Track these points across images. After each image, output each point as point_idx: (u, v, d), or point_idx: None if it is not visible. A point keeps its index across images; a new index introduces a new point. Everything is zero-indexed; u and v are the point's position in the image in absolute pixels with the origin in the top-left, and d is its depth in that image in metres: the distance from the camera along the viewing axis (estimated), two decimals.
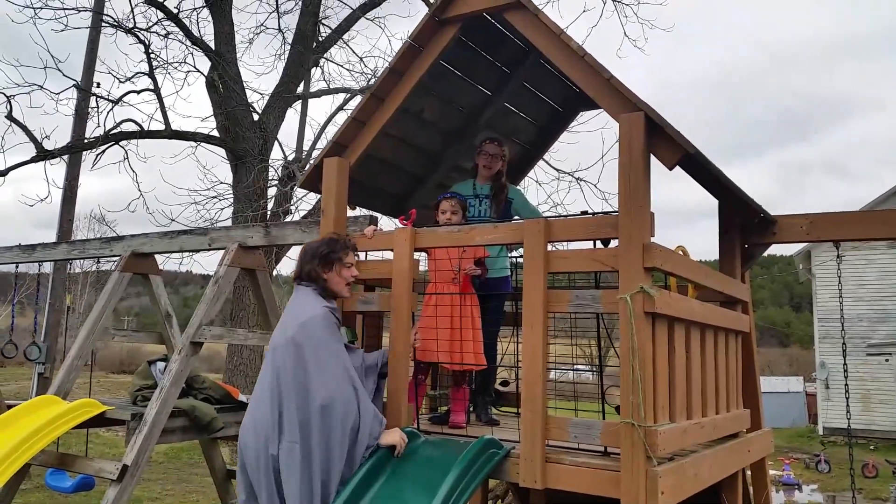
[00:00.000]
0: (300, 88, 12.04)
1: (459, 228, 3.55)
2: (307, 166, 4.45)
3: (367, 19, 11.75)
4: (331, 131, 10.95)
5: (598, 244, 3.15)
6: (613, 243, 3.06)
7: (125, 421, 4.54)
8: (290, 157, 11.42)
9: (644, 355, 2.85)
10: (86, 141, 10.68)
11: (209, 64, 11.12)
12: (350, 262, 3.46)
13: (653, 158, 3.03)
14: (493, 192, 4.40)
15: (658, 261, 2.94)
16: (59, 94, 10.37)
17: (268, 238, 4.64)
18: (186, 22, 10.96)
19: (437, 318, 3.65)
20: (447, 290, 3.75)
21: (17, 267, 6.31)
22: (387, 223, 4.69)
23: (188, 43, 11.07)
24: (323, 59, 12.25)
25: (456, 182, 4.70)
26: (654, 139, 3.00)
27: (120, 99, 10.57)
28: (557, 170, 9.64)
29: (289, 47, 11.81)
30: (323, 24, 12.16)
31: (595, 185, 9.61)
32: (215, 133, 11.17)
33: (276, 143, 11.34)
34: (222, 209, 10.96)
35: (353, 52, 13.94)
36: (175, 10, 10.75)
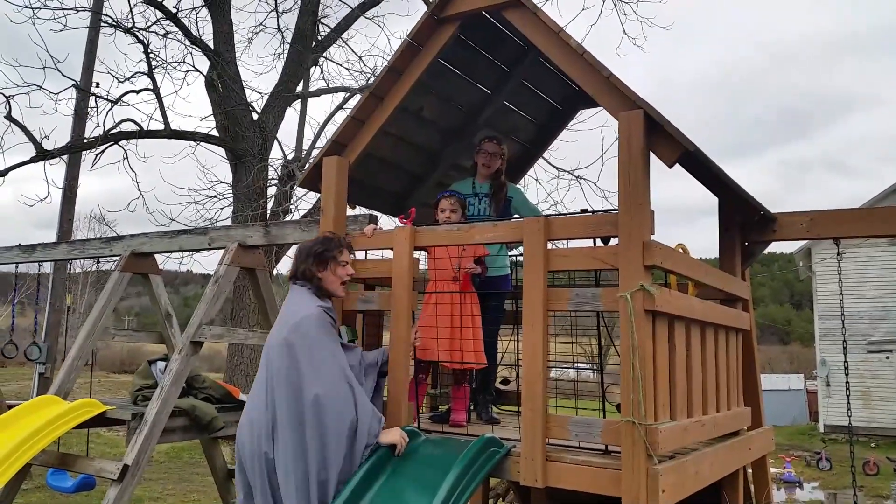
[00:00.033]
0: (299, 87, 12.02)
1: (459, 227, 3.55)
2: (307, 165, 4.45)
3: (367, 18, 11.73)
4: (330, 130, 10.94)
5: (598, 242, 3.15)
6: (613, 241, 3.05)
7: (126, 421, 4.55)
8: (290, 157, 11.39)
9: (644, 353, 2.85)
10: (85, 141, 10.66)
11: (208, 63, 11.10)
12: (345, 261, 3.45)
13: (653, 156, 3.02)
14: (492, 190, 4.39)
15: (658, 259, 2.94)
16: (58, 94, 10.34)
17: (267, 237, 4.64)
18: (185, 21, 10.94)
19: (437, 316, 3.65)
20: (447, 289, 3.74)
21: (17, 267, 6.31)
22: (386, 222, 4.69)
23: (187, 42, 11.05)
24: (322, 59, 12.23)
25: (455, 181, 4.70)
26: (653, 137, 3.00)
27: (119, 99, 10.55)
28: (557, 168, 9.61)
29: (288, 46, 11.79)
30: (322, 23, 12.14)
31: (595, 184, 9.57)
32: (215, 132, 11.16)
33: (275, 143, 11.32)
34: (222, 209, 10.94)
35: (353, 51, 13.89)
36: (174, 10, 10.72)
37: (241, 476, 3.19)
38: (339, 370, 3.13)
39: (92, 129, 10.80)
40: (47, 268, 10.07)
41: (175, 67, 12.49)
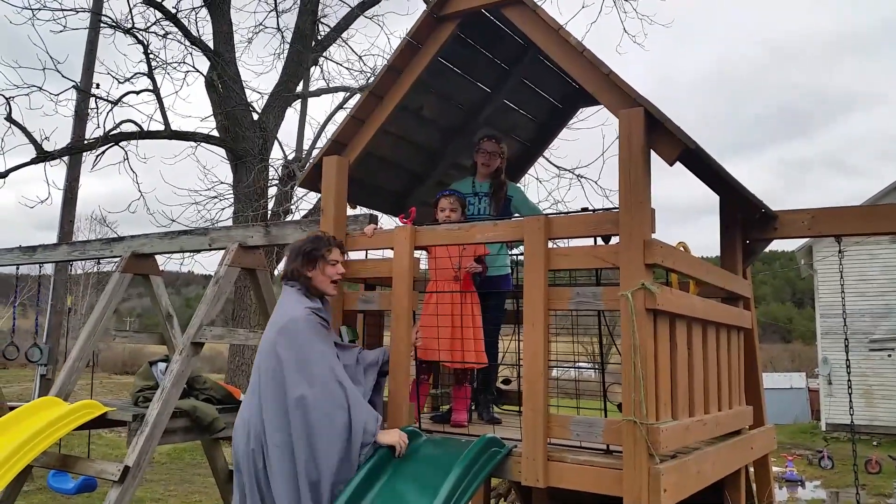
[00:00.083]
0: (299, 87, 12.02)
1: (459, 226, 3.54)
2: (307, 165, 4.44)
3: (366, 17, 11.73)
4: (330, 130, 10.94)
5: (599, 241, 3.14)
6: (614, 240, 3.04)
7: (127, 422, 4.55)
8: (290, 157, 11.40)
9: (646, 352, 2.84)
10: (86, 142, 10.67)
11: (208, 64, 11.10)
12: (335, 260, 3.42)
13: (653, 155, 3.01)
14: (492, 189, 4.38)
15: (659, 257, 2.93)
16: (58, 95, 10.35)
17: (268, 238, 4.63)
18: (185, 22, 10.95)
19: (437, 316, 3.64)
20: (448, 289, 3.73)
21: (17, 269, 6.30)
22: (387, 221, 4.69)
23: (187, 43, 11.05)
24: (322, 58, 12.23)
25: (455, 180, 4.69)
26: (654, 135, 2.99)
27: (119, 100, 10.55)
28: (558, 167, 9.60)
29: (288, 46, 11.80)
30: (322, 23, 12.14)
31: (596, 182, 9.57)
32: (215, 133, 11.16)
33: (275, 143, 11.33)
34: (223, 209, 10.94)
35: (353, 51, 13.89)
36: (173, 10, 10.73)
37: (237, 476, 3.21)
38: (329, 370, 3.11)
39: (92, 131, 10.82)
40: (48, 269, 10.07)
41: (175, 68, 12.46)
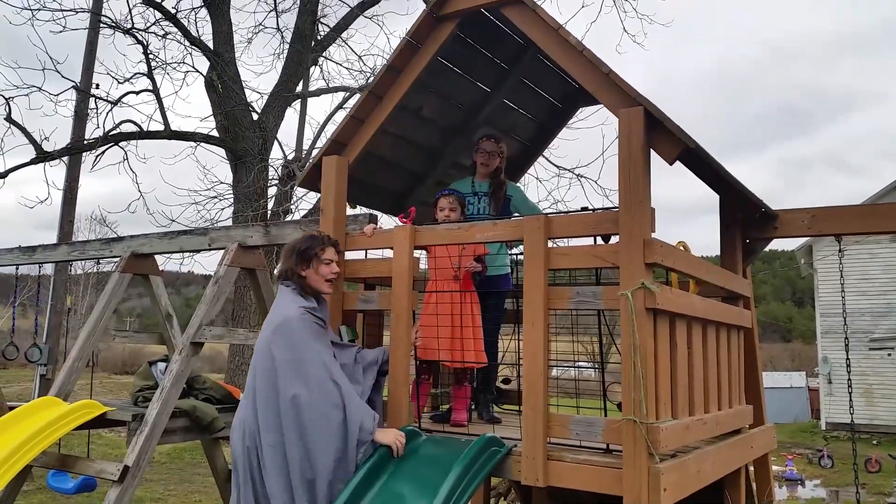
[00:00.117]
0: (299, 87, 12.03)
1: (459, 226, 3.54)
2: (307, 165, 4.44)
3: (366, 17, 11.74)
4: (330, 130, 10.94)
5: (599, 240, 3.14)
6: (614, 239, 3.04)
7: (126, 422, 4.55)
8: (290, 157, 11.41)
9: (645, 352, 2.84)
10: (85, 142, 10.67)
11: (208, 64, 11.10)
12: (329, 259, 3.42)
13: (653, 154, 3.01)
14: (491, 189, 4.38)
15: (659, 256, 2.93)
16: (58, 95, 10.35)
17: (267, 237, 4.63)
18: (185, 22, 10.95)
19: (437, 315, 3.64)
20: (447, 288, 3.73)
21: (17, 269, 6.30)
22: (386, 221, 4.68)
23: (186, 43, 11.05)
24: (322, 58, 12.24)
25: (455, 179, 4.69)
26: (653, 134, 2.99)
27: (119, 100, 10.55)
28: (557, 166, 9.60)
29: (287, 46, 11.80)
30: (321, 23, 12.14)
31: (595, 182, 9.57)
32: (215, 133, 11.16)
33: (275, 143, 11.34)
34: (222, 209, 10.95)
35: (352, 51, 13.96)
36: (173, 11, 10.73)
37: (235, 476, 3.22)
38: (324, 370, 3.11)
39: (92, 131, 10.82)
40: (48, 269, 10.07)
41: (175, 68, 12.49)
